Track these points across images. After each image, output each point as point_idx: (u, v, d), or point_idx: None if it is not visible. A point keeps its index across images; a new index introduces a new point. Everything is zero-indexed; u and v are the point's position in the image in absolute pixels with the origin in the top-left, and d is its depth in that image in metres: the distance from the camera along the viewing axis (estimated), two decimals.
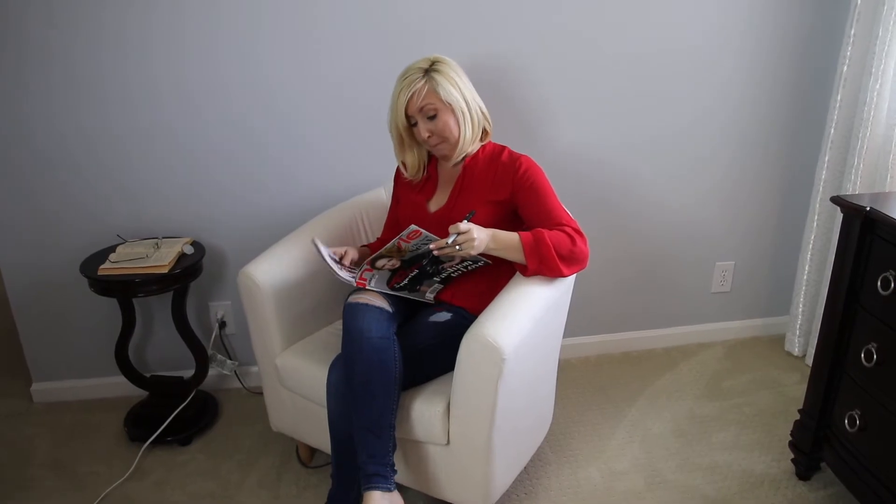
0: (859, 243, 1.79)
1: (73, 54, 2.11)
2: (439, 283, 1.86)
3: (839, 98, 2.37)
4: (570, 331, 2.52)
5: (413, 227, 1.65)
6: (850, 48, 2.31)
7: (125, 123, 2.21)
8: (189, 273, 2.14)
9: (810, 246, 2.59)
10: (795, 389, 2.50)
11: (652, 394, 2.51)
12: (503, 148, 1.88)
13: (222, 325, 2.50)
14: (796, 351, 2.73)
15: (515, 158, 1.83)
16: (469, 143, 1.82)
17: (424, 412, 1.69)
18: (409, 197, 1.96)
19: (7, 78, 2.11)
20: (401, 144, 1.88)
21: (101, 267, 2.08)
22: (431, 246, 1.64)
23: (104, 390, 2.52)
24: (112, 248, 2.21)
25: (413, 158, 1.91)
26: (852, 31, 2.29)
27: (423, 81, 1.74)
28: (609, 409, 2.43)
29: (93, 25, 2.09)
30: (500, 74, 2.32)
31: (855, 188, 2.34)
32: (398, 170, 1.98)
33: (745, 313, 2.86)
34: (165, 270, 2.06)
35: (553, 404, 2.13)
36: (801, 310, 2.67)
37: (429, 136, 1.79)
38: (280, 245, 2.03)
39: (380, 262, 1.76)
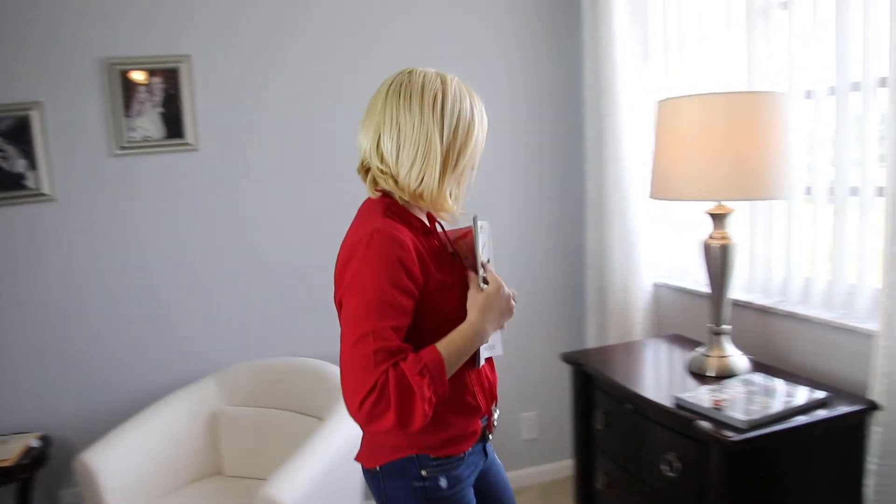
0: (586, 389, 2.27)
1: None
2: None
3: (589, 269, 2.98)
4: None
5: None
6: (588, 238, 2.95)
7: None
8: (34, 464, 2.39)
9: None
10: None
11: None
12: None
13: None
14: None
15: None
16: None
17: None
18: (439, 266, 1.39)
19: None
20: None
21: None
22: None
23: None
24: None
25: None
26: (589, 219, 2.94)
27: None
28: None
29: None
30: None
31: (607, 339, 2.88)
32: (405, 241, 1.30)
33: (556, 456, 3.27)
34: (10, 463, 2.32)
35: None
36: None
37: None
38: (119, 430, 2.34)
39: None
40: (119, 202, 2.64)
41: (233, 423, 2.57)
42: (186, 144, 2.66)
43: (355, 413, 1.23)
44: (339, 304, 1.34)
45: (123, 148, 2.60)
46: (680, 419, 1.75)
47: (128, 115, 2.59)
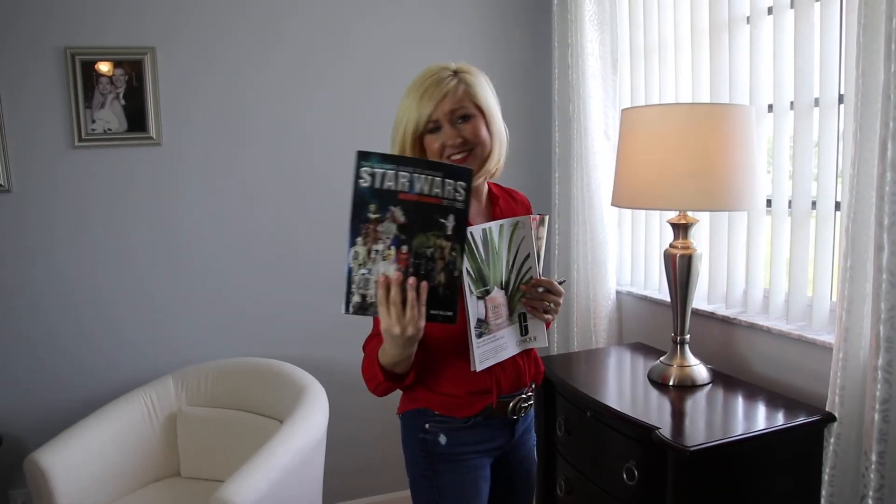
0: (548, 395, 2.27)
1: None
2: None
3: (554, 276, 2.99)
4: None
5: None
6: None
7: None
8: None
9: None
10: None
11: None
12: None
13: None
14: None
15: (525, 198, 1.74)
16: (494, 163, 1.55)
17: None
18: None
19: None
20: None
21: None
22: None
23: None
24: None
25: None
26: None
27: (455, 81, 1.48)
28: None
29: None
30: None
31: (571, 346, 2.89)
32: None
33: None
34: None
35: None
36: None
37: (459, 143, 1.47)
38: (73, 429, 2.28)
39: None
40: (78, 195, 2.58)
41: (191, 423, 2.52)
42: (149, 138, 2.61)
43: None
44: None
45: (84, 140, 2.54)
46: (639, 427, 1.75)
47: (89, 107, 2.53)
